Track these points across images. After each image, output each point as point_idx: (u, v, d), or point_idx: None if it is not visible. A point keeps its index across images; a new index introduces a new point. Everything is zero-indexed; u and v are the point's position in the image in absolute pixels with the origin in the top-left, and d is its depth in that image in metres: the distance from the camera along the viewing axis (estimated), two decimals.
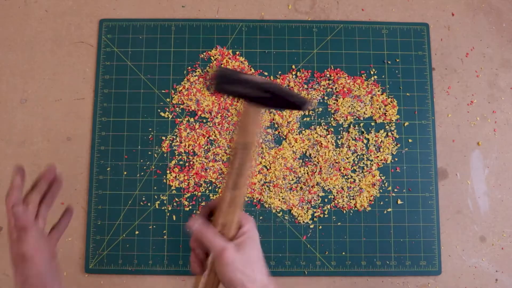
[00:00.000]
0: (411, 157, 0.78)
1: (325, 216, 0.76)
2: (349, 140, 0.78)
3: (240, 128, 0.44)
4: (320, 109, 0.79)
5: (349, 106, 0.79)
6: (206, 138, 0.78)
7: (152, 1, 0.83)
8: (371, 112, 0.79)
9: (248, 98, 0.43)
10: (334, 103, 0.79)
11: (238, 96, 0.43)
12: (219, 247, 0.41)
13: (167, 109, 0.79)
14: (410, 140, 0.78)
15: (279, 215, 0.76)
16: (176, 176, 0.77)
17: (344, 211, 0.76)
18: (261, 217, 0.76)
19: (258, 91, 0.42)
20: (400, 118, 0.79)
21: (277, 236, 0.76)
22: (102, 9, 0.82)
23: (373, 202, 0.77)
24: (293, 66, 0.80)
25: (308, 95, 0.79)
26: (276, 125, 0.78)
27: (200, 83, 0.79)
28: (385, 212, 0.76)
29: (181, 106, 0.79)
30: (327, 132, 0.78)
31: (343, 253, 0.75)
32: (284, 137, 0.78)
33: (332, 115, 0.79)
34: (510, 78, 0.81)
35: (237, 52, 0.80)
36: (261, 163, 0.77)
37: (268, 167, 0.77)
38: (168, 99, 0.79)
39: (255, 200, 0.76)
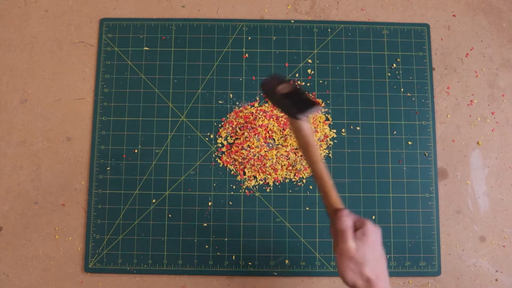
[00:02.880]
0: (411, 157, 0.78)
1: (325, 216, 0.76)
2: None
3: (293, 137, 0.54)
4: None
5: None
6: (206, 138, 0.78)
7: (152, 1, 0.83)
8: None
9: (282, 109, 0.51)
10: None
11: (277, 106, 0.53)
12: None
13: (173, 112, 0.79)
14: (410, 143, 0.78)
15: (279, 215, 0.76)
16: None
17: None
18: (261, 217, 0.76)
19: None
20: (401, 119, 0.79)
21: (277, 236, 0.76)
22: (102, 9, 0.82)
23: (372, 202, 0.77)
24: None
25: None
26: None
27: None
28: (384, 212, 0.76)
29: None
30: None
31: None
32: (284, 137, 0.78)
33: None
34: (510, 78, 0.81)
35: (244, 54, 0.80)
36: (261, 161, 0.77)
37: (268, 167, 0.77)
38: (168, 99, 0.79)
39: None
